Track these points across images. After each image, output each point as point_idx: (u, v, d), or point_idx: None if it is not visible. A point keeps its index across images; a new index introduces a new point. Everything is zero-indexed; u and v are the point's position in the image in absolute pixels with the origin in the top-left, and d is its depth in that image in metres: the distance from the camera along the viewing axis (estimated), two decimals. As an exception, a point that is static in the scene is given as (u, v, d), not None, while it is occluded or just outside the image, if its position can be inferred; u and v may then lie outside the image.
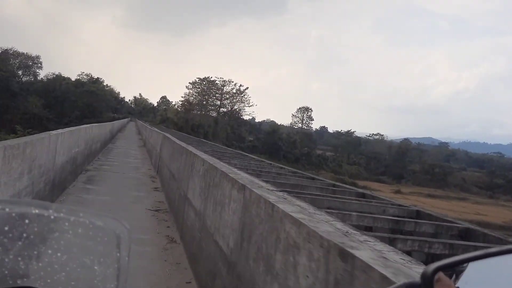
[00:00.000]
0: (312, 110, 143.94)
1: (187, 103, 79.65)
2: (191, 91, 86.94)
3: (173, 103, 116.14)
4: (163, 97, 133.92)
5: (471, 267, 0.74)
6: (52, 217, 0.67)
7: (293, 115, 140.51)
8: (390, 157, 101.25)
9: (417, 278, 0.72)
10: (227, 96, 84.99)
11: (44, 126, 71.38)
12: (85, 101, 78.07)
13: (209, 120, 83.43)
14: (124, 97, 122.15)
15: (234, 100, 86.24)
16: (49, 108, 76.82)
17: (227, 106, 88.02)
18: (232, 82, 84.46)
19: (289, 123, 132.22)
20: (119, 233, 0.69)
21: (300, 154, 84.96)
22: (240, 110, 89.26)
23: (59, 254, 0.69)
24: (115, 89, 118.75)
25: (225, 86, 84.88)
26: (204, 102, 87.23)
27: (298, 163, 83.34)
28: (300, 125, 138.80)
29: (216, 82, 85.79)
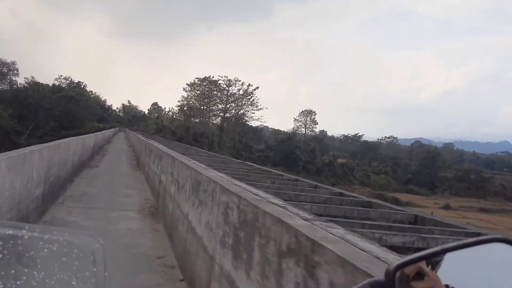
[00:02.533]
0: (315, 114, 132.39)
1: (187, 108, 66.32)
2: (189, 94, 73.72)
3: (167, 109, 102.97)
4: (154, 104, 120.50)
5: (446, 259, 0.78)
6: (26, 236, 0.69)
7: (295, 119, 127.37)
8: (417, 162, 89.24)
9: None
10: (233, 99, 72.06)
11: (12, 141, 57.83)
12: (63, 109, 64.63)
13: (212, 127, 70.38)
14: (111, 105, 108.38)
15: (241, 103, 73.30)
16: (19, 119, 62.94)
17: (232, 110, 75.05)
18: (239, 81, 71.57)
19: (291, 128, 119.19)
20: (94, 249, 0.71)
21: (322, 164, 72.16)
22: (245, 114, 76.20)
23: (35, 273, 0.71)
24: (101, 96, 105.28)
25: (231, 86, 71.92)
26: (204, 107, 73.84)
27: (320, 175, 70.59)
28: (303, 130, 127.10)
29: (219, 82, 72.74)
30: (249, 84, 70.97)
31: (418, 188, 78.59)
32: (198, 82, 73.81)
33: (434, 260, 0.78)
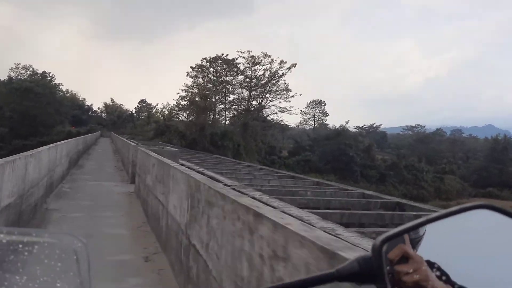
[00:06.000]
0: (325, 104, 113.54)
1: (200, 99, 46.18)
2: (196, 81, 53.49)
3: (160, 105, 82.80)
4: (142, 101, 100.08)
5: (426, 232, 0.77)
6: (4, 241, 0.66)
7: (303, 111, 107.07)
8: (484, 157, 71.25)
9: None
10: (263, 82, 52.27)
11: None
12: (17, 107, 44.33)
13: (235, 125, 50.72)
14: (91, 105, 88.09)
15: (268, 89, 53.60)
16: None
17: (253, 100, 55.32)
18: (268, 56, 51.73)
19: (298, 122, 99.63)
20: (76, 248, 0.69)
21: (385, 168, 53.14)
22: (268, 105, 56.50)
23: (17, 277, 0.68)
24: (78, 95, 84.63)
25: (256, 65, 52.08)
26: (213, 99, 53.44)
27: (385, 182, 51.57)
28: (312, 123, 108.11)
29: (236, 61, 52.72)
30: (281, 61, 51.16)
31: (497, 190, 60.73)
32: (207, 63, 53.66)
33: (415, 236, 0.77)
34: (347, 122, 63.18)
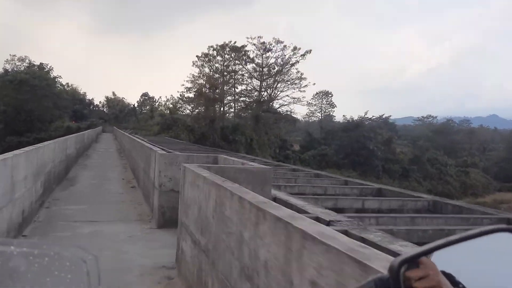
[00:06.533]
0: (332, 95, 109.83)
1: (209, 89, 42.64)
2: (202, 71, 49.94)
3: (163, 98, 79.61)
4: (145, 95, 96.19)
5: (437, 256, 0.76)
6: (15, 252, 0.67)
7: (309, 103, 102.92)
8: (505, 149, 67.57)
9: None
10: (274, 71, 48.75)
11: None
12: (12, 101, 40.85)
13: (244, 118, 47.26)
14: (92, 99, 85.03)
15: (279, 78, 50.13)
16: None
17: (264, 90, 51.89)
18: (281, 42, 48.13)
19: (305, 113, 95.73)
20: (86, 260, 0.69)
21: (408, 161, 49.71)
22: (277, 95, 53.27)
23: None
24: (79, 89, 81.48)
25: (269, 52, 48.52)
26: (220, 90, 49.87)
27: (408, 177, 48.35)
28: (319, 115, 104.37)
29: (245, 49, 49.08)
30: (295, 48, 47.45)
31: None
32: (214, 51, 50.01)
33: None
34: (366, 113, 59.32)
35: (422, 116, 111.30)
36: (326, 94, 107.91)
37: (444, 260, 0.76)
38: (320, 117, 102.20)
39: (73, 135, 19.34)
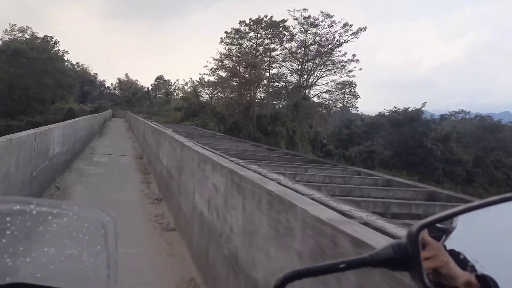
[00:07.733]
0: (355, 85, 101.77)
1: (245, 70, 35.09)
2: (233, 49, 42.29)
3: (181, 82, 72.58)
4: (159, 78, 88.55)
5: (459, 222, 0.75)
6: (34, 211, 0.66)
7: (331, 91, 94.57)
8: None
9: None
10: (324, 50, 41.13)
11: None
12: (7, 77, 33.60)
13: (286, 105, 39.85)
14: (104, 80, 78.31)
15: (324, 61, 42.52)
16: None
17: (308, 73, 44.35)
18: (330, 17, 40.32)
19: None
20: (104, 222, 0.69)
21: (472, 164, 41.96)
22: (318, 79, 46.26)
23: (46, 248, 0.69)
24: (89, 69, 74.57)
25: (314, 27, 40.74)
26: (257, 71, 41.90)
27: (472, 183, 40.61)
28: (340, 105, 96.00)
29: (285, 25, 41.39)
30: (345, 24, 39.52)
31: None
32: (246, 28, 42.20)
33: (448, 227, 0.75)
34: (423, 105, 50.93)
35: (454, 111, 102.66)
36: (349, 84, 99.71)
37: (461, 234, 0.73)
38: (343, 108, 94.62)
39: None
